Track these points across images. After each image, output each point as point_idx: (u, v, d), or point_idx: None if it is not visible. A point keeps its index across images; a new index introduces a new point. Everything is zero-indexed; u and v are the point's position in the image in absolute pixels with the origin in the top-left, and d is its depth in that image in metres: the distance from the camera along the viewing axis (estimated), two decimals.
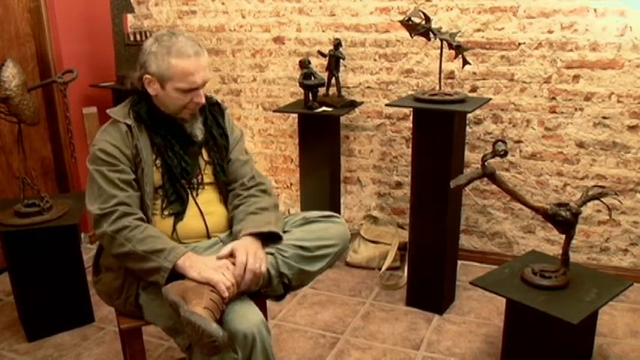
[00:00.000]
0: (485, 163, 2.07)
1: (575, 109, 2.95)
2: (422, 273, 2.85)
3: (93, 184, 1.86)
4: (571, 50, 2.89)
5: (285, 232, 1.94)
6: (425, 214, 2.76)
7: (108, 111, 1.97)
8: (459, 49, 2.61)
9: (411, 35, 2.66)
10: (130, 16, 3.54)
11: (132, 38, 3.43)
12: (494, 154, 2.04)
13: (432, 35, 2.61)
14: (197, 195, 1.98)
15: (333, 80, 3.24)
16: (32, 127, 2.81)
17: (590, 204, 2.46)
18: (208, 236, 1.98)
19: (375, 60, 3.31)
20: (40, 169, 3.44)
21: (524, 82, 3.02)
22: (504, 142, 2.05)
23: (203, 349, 1.60)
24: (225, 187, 2.05)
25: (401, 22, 2.64)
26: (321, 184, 3.29)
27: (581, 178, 3.03)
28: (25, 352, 2.62)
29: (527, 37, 2.95)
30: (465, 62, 2.66)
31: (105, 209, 1.81)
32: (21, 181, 2.69)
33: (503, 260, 3.00)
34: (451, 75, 3.15)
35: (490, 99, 2.92)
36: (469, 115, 3.07)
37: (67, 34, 3.45)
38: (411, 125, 2.83)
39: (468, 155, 3.17)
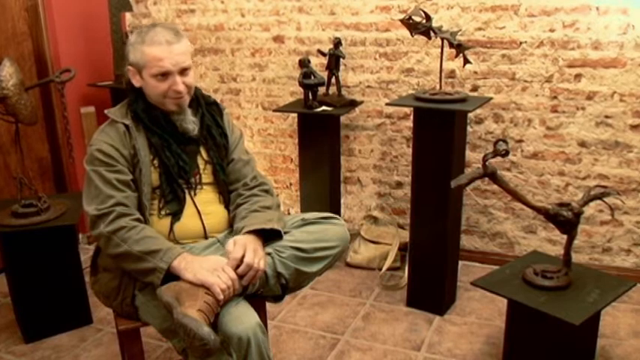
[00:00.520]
0: (487, 163, 2.07)
1: (577, 109, 2.95)
2: (423, 273, 2.84)
3: (90, 185, 1.86)
4: (573, 49, 2.89)
5: (284, 232, 1.93)
6: (426, 214, 2.76)
7: (106, 111, 1.97)
8: (459, 48, 2.61)
9: (411, 34, 2.66)
10: (128, 15, 3.54)
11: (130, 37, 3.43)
12: (496, 153, 2.04)
13: (432, 34, 2.61)
14: (195, 195, 1.98)
15: (333, 79, 3.24)
16: (29, 126, 2.81)
17: (592, 204, 2.46)
18: (206, 236, 1.97)
19: (375, 59, 3.31)
20: (37, 169, 3.44)
21: (525, 81, 3.02)
22: (505, 142, 2.05)
23: (194, 353, 1.60)
24: (225, 187, 2.05)
25: (401, 20, 2.64)
26: (321, 184, 3.29)
27: (583, 178, 3.03)
28: (22, 354, 2.62)
29: (529, 35, 2.95)
30: (466, 61, 2.66)
31: (102, 210, 1.81)
32: (18, 182, 2.69)
33: (504, 261, 3.00)
34: (452, 74, 3.14)
35: (491, 98, 2.91)
36: (470, 115, 3.07)
37: (64, 32, 3.45)
38: (411, 125, 2.82)
39: (469, 155, 3.17)
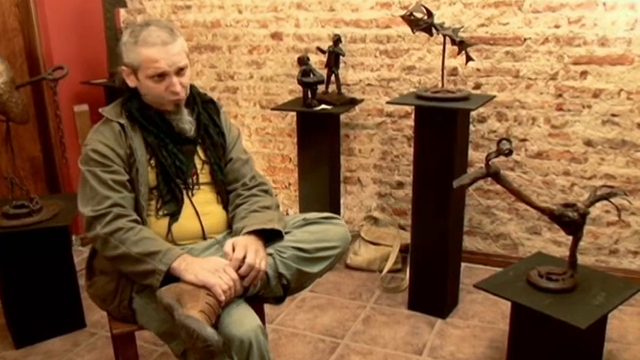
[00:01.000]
0: (490, 163, 2.06)
1: (583, 107, 2.95)
2: (424, 275, 2.84)
3: (85, 186, 1.86)
4: (579, 45, 2.88)
5: (285, 233, 1.94)
6: (427, 215, 2.76)
7: (100, 110, 1.98)
8: (462, 45, 2.61)
9: (412, 31, 2.66)
10: (122, 11, 3.53)
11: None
12: (499, 153, 2.03)
13: (434, 31, 2.60)
14: (193, 195, 1.98)
15: (333, 77, 3.24)
16: (21, 125, 2.80)
17: (598, 204, 2.45)
18: (204, 237, 1.97)
19: (375, 56, 3.30)
20: (29, 169, 3.43)
21: (529, 78, 3.01)
22: (509, 141, 2.04)
23: (197, 354, 1.60)
24: (223, 187, 2.05)
25: (402, 17, 2.64)
26: (321, 185, 3.29)
27: (589, 178, 3.02)
28: None
29: (533, 32, 2.94)
30: (469, 58, 2.65)
31: (98, 211, 1.81)
32: (9, 182, 2.69)
33: (508, 262, 2.99)
34: (454, 72, 3.14)
35: (494, 96, 2.91)
36: (473, 113, 3.06)
37: (57, 29, 3.44)
38: (412, 123, 2.83)
39: (472, 154, 3.16)
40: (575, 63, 2.91)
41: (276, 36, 3.52)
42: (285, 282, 1.88)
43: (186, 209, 1.96)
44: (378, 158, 3.46)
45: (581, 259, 2.81)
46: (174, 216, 1.94)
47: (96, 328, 2.81)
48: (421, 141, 2.70)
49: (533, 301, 2.10)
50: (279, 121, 3.67)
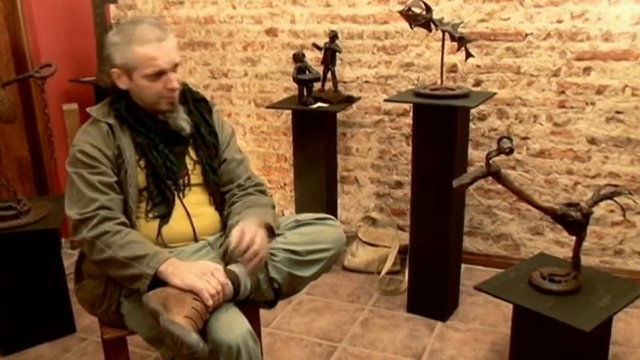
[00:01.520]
0: (490, 161, 2.06)
1: (586, 104, 2.94)
2: (423, 277, 2.84)
3: (72, 188, 1.86)
4: (582, 41, 2.88)
5: (277, 234, 1.94)
6: (426, 216, 2.75)
7: (88, 109, 1.97)
8: (461, 41, 2.61)
9: (411, 26, 2.66)
10: (112, 7, 3.53)
11: None
12: (500, 151, 2.04)
13: (433, 26, 2.61)
14: (184, 196, 1.98)
15: (329, 75, 3.24)
16: (8, 124, 2.79)
17: (602, 204, 2.46)
18: (196, 239, 1.97)
19: (373, 53, 3.30)
20: (16, 170, 3.42)
21: (531, 75, 3.01)
22: (510, 139, 2.04)
23: None
24: (216, 188, 2.04)
25: (400, 12, 2.64)
26: (317, 184, 3.29)
27: (593, 177, 3.02)
28: None
29: (535, 27, 2.94)
30: (469, 55, 2.65)
31: (85, 214, 1.80)
32: None
33: (509, 264, 2.99)
34: (453, 68, 3.14)
35: (495, 93, 2.91)
36: (473, 111, 3.05)
37: (44, 24, 3.42)
38: (411, 122, 2.82)
39: (472, 153, 3.16)
40: (578, 59, 2.90)
41: (271, 32, 3.51)
42: (277, 286, 1.88)
43: (177, 211, 1.95)
44: (376, 157, 3.45)
45: (585, 260, 2.81)
46: (164, 218, 1.93)
47: (86, 333, 2.80)
48: (420, 139, 2.70)
49: (535, 304, 2.10)
50: (274, 119, 3.66)
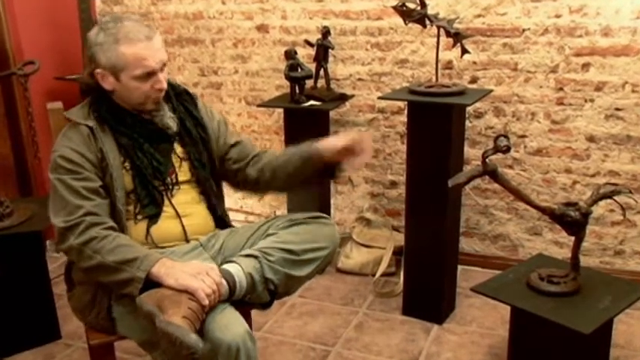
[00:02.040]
0: (487, 160, 2.06)
1: (585, 101, 2.95)
2: (419, 279, 2.84)
3: (56, 195, 1.84)
4: (580, 36, 2.88)
5: (270, 234, 1.94)
6: (422, 216, 2.76)
7: (66, 113, 1.96)
8: (457, 37, 2.60)
9: (405, 22, 2.66)
10: (98, 2, 3.51)
11: None
12: (496, 150, 2.04)
13: (428, 22, 2.60)
14: (172, 195, 1.97)
15: (322, 72, 3.24)
16: None
17: (601, 203, 2.46)
18: (186, 239, 1.97)
19: (366, 49, 3.30)
20: None
21: (528, 71, 3.01)
22: (507, 137, 2.05)
23: None
24: (206, 186, 2.04)
25: (394, 7, 2.64)
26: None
27: (592, 175, 3.02)
28: None
29: (532, 22, 2.94)
30: (464, 51, 2.65)
31: (70, 221, 1.79)
32: None
33: (507, 265, 2.99)
34: (449, 65, 3.14)
35: (491, 90, 2.91)
36: (469, 109, 3.06)
37: (27, 20, 3.40)
38: (405, 120, 2.83)
39: (468, 152, 3.16)
40: (577, 54, 2.90)
41: (262, 28, 3.50)
42: (273, 287, 1.87)
43: (166, 210, 1.95)
44: (370, 156, 3.44)
45: (585, 261, 2.82)
46: (153, 218, 1.93)
47: (72, 339, 2.78)
48: (415, 138, 2.70)
49: (534, 306, 2.10)
50: (265, 118, 3.65)
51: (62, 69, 3.57)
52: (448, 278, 2.84)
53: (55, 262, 3.26)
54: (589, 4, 2.83)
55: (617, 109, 2.90)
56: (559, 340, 2.09)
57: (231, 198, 3.52)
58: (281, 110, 3.39)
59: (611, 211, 3.01)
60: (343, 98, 3.26)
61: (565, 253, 3.02)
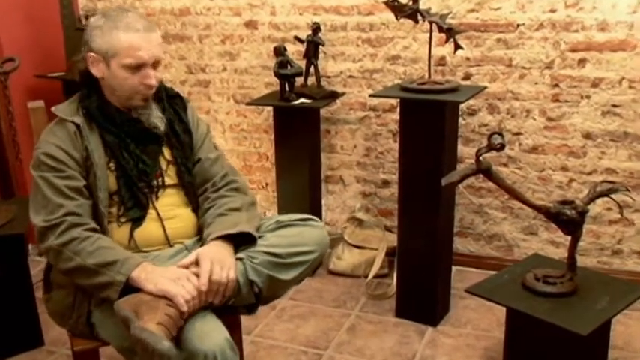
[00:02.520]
0: (481, 158, 2.06)
1: (581, 97, 2.95)
2: (413, 280, 2.84)
3: (37, 193, 1.83)
4: (576, 31, 2.88)
5: (258, 237, 1.92)
6: (415, 216, 2.76)
7: (53, 109, 1.94)
8: (450, 33, 2.61)
9: (397, 17, 2.66)
10: None
11: (84, 22, 3.36)
12: (490, 147, 2.04)
13: (420, 17, 2.60)
14: (157, 198, 1.96)
15: (312, 69, 3.23)
16: None
17: (598, 201, 2.47)
18: (169, 243, 1.95)
19: (357, 46, 3.29)
20: None
21: (523, 67, 3.01)
22: (501, 135, 2.05)
23: None
24: (192, 189, 2.03)
25: (386, 3, 2.64)
26: (300, 184, 3.28)
27: (589, 173, 3.03)
28: None
29: (527, 17, 2.94)
30: (457, 47, 2.65)
31: (51, 221, 1.77)
32: None
33: (502, 265, 2.99)
34: (442, 61, 3.14)
35: (485, 87, 2.91)
36: (462, 106, 3.06)
37: (5, 16, 3.37)
38: (398, 118, 2.82)
39: (462, 150, 3.16)
40: (573, 50, 2.91)
41: (250, 24, 3.49)
42: (257, 289, 1.86)
43: (150, 213, 1.94)
44: (362, 155, 3.45)
45: (582, 261, 2.82)
46: (136, 221, 1.91)
47: (55, 345, 2.76)
48: (407, 136, 2.70)
49: (530, 307, 2.11)
50: (254, 116, 3.64)
51: (44, 66, 3.54)
52: (442, 279, 2.84)
53: (38, 266, 3.23)
54: None
55: (614, 106, 2.90)
56: (556, 342, 2.09)
57: None
58: (270, 108, 3.39)
59: (609, 209, 3.02)
60: (334, 96, 3.26)
61: (561, 253, 3.03)
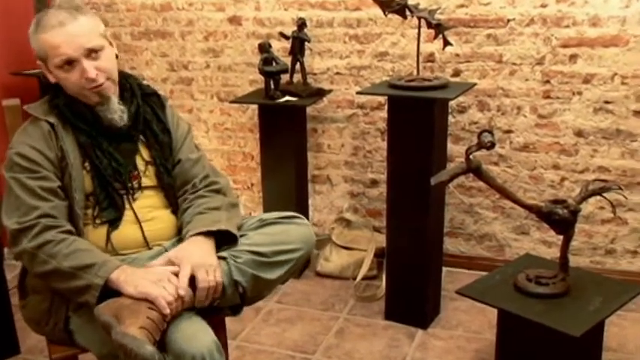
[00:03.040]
0: (470, 157, 2.06)
1: (573, 94, 2.96)
2: (402, 282, 2.84)
3: (10, 195, 1.81)
4: (568, 26, 2.89)
5: (240, 235, 1.91)
6: (404, 216, 2.76)
7: (26, 107, 1.93)
8: (439, 28, 2.61)
9: (384, 13, 2.65)
10: None
11: None
12: (480, 146, 2.04)
13: (408, 13, 2.60)
14: (134, 200, 1.94)
15: (298, 66, 3.23)
16: None
17: (591, 200, 2.48)
18: (148, 246, 1.93)
19: (344, 42, 3.29)
20: None
21: (514, 63, 3.02)
22: (491, 133, 2.05)
23: None
24: (172, 190, 2.01)
25: None
26: (286, 184, 3.28)
27: (581, 172, 3.04)
28: None
29: (517, 12, 2.95)
30: (447, 43, 2.65)
31: (24, 223, 1.75)
32: None
33: (493, 266, 2.99)
34: (431, 58, 3.14)
35: (475, 84, 2.92)
36: (452, 103, 3.06)
37: None
38: (386, 115, 2.82)
39: (451, 148, 3.16)
40: (564, 45, 2.91)
41: (234, 20, 3.48)
42: (241, 290, 1.85)
43: (127, 215, 1.92)
44: (349, 154, 3.45)
45: (574, 261, 2.83)
46: (113, 223, 1.89)
47: (32, 353, 2.74)
48: (396, 134, 2.70)
49: (521, 308, 2.11)
50: (239, 115, 3.63)
51: (18, 63, 3.50)
52: (432, 281, 2.84)
53: (14, 271, 3.18)
54: None
55: (607, 102, 2.91)
56: (548, 344, 2.09)
57: None
58: (255, 106, 3.38)
59: (601, 208, 3.03)
60: (321, 93, 3.26)
61: (554, 253, 3.03)
